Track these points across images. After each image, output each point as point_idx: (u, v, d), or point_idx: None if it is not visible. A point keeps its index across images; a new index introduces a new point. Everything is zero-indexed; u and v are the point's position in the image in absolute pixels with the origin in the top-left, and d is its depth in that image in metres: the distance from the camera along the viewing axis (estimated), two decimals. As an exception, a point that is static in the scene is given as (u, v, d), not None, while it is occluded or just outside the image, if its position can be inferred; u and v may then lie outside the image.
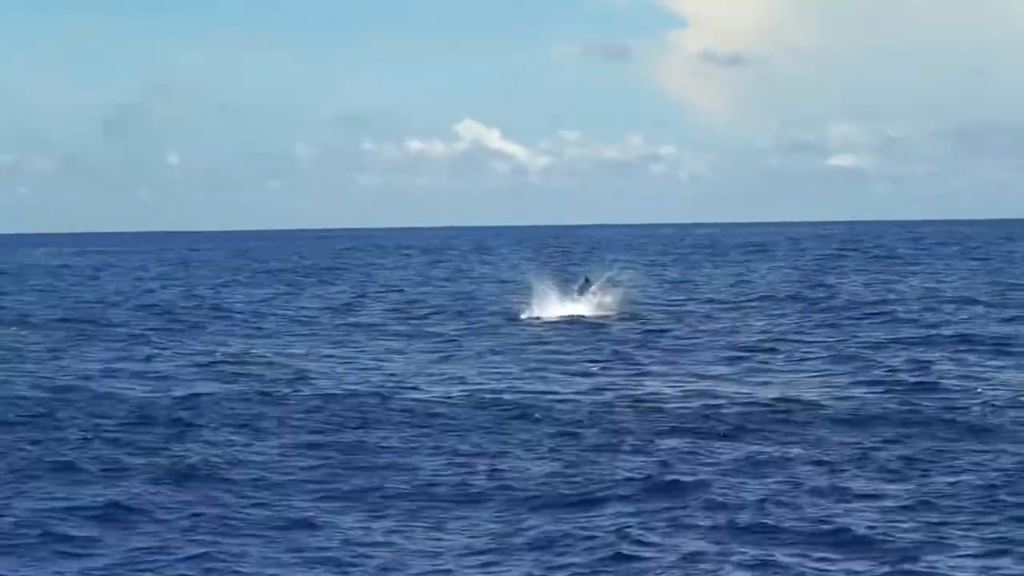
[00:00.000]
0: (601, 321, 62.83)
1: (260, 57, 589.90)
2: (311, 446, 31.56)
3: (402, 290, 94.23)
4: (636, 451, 30.31)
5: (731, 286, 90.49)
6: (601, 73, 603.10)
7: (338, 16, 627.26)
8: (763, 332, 56.84)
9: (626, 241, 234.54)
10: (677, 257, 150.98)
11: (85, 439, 32.50)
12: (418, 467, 29.01)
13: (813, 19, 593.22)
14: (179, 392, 40.76)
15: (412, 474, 28.33)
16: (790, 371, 44.46)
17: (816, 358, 47.53)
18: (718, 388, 40.24)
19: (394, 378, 43.79)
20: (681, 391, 39.75)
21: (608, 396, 38.93)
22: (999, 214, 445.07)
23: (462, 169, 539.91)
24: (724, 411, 35.53)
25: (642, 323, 62.34)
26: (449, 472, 28.45)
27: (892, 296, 76.08)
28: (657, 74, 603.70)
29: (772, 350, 50.13)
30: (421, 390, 40.78)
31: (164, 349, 53.82)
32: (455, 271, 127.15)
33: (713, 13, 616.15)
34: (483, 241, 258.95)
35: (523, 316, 64.88)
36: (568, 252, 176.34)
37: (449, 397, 39.18)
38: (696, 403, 37.09)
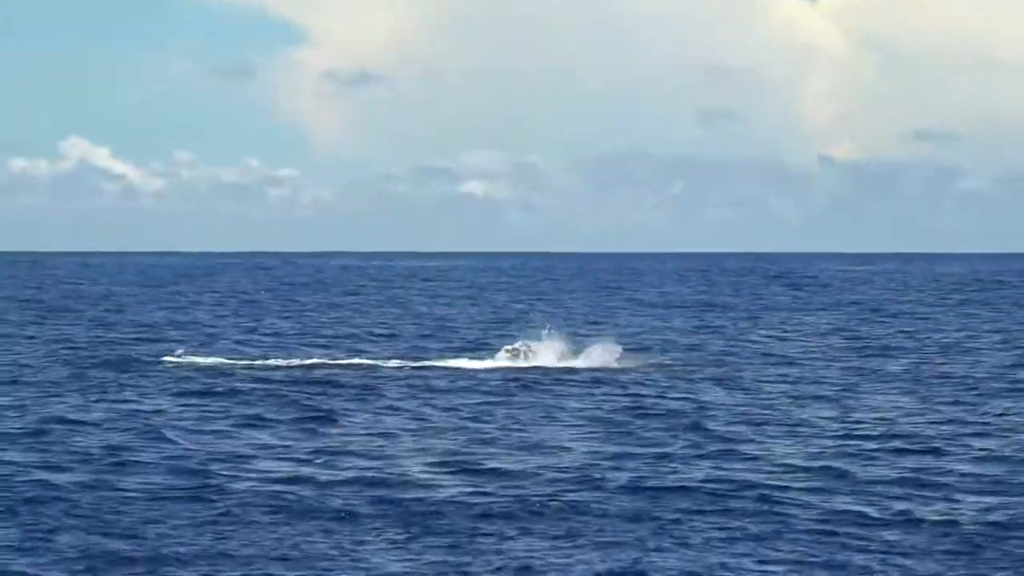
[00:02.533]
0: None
1: None
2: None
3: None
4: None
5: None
6: (218, 91, 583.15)
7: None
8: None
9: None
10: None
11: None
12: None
13: (445, 37, 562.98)
14: None
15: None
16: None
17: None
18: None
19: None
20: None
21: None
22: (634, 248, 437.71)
23: (66, 190, 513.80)
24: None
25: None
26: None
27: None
28: (277, 93, 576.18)
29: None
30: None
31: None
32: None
33: (337, 28, 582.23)
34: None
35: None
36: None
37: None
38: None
